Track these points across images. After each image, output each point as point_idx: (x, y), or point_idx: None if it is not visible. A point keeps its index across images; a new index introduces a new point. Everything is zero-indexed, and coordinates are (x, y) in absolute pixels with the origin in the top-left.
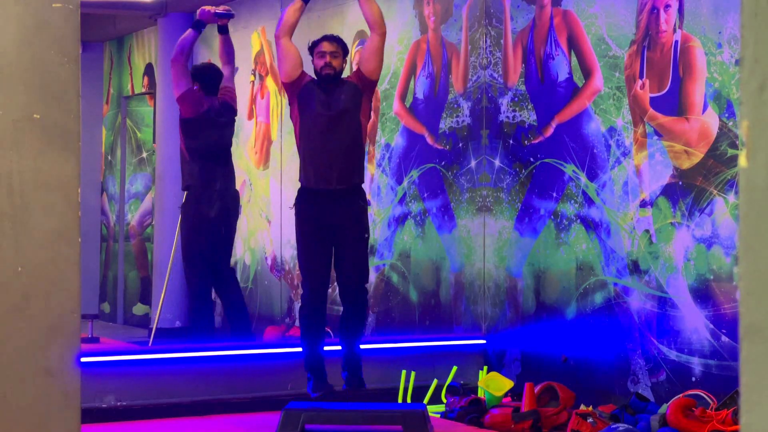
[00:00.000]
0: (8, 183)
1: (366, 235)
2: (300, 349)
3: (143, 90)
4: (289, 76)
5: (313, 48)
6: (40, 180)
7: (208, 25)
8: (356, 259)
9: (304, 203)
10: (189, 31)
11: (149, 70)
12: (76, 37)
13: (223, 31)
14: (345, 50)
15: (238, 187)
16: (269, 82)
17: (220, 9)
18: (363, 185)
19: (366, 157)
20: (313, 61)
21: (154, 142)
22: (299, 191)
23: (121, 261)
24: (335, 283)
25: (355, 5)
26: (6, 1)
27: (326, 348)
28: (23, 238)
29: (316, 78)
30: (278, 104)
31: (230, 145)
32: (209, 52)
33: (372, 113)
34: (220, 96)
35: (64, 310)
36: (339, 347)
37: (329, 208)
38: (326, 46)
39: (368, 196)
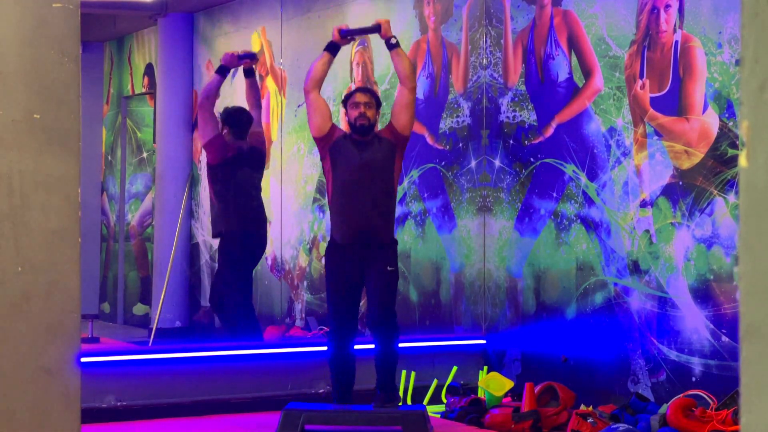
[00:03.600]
0: (8, 183)
1: (396, 279)
2: (301, 349)
3: (143, 90)
4: (320, 131)
5: (346, 100)
6: (40, 180)
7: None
8: (384, 296)
9: (335, 257)
10: (214, 76)
11: (149, 70)
12: (76, 37)
13: (249, 74)
14: (378, 102)
15: None
16: (269, 82)
17: (242, 52)
18: (395, 239)
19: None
20: (346, 113)
21: (154, 142)
22: (330, 244)
23: (121, 261)
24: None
25: (355, 5)
26: (6, 1)
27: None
28: (23, 238)
29: (349, 130)
30: (278, 104)
31: (259, 190)
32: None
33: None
34: (249, 141)
35: (63, 310)
36: (368, 346)
37: (360, 262)
38: (360, 97)
39: None
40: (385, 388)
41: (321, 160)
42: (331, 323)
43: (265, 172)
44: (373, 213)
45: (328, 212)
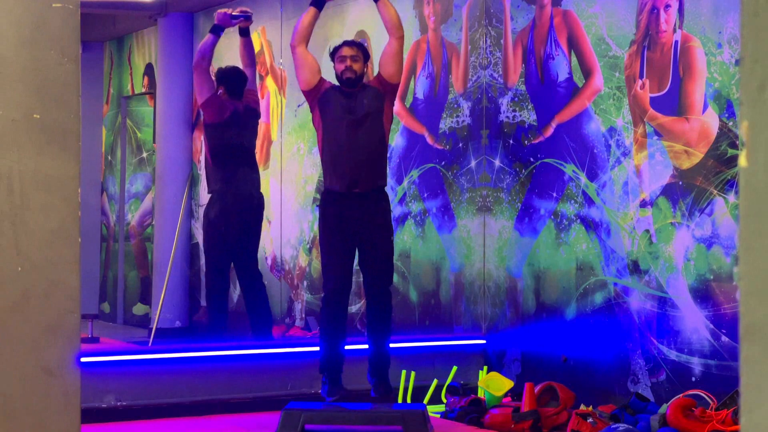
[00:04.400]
0: (8, 183)
1: (391, 237)
2: (301, 349)
3: (143, 90)
4: (308, 84)
5: (333, 53)
6: (40, 180)
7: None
8: (381, 260)
9: (329, 205)
10: (208, 36)
11: (149, 70)
12: (76, 37)
13: (244, 33)
14: (366, 55)
15: None
16: (269, 82)
17: (237, 11)
18: (386, 187)
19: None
20: (334, 66)
21: (154, 142)
22: (323, 194)
23: (121, 261)
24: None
25: (355, 5)
26: (6, 1)
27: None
28: (23, 238)
29: (337, 83)
30: (278, 104)
31: (254, 149)
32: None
33: None
34: (244, 100)
35: (63, 310)
36: (362, 346)
37: (354, 211)
38: (346, 51)
39: None
40: (379, 369)
41: (311, 112)
42: (326, 271)
43: (266, 172)
44: (365, 160)
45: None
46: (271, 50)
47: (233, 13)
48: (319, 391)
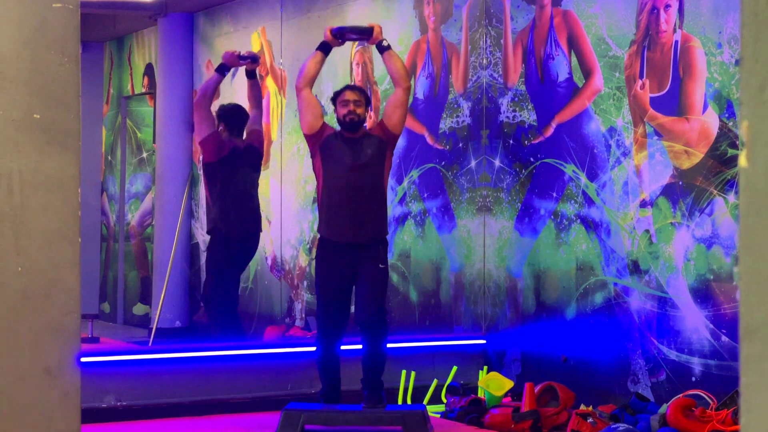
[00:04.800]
0: (8, 183)
1: (386, 280)
2: (301, 349)
3: (143, 90)
4: (311, 128)
5: (335, 97)
6: (40, 180)
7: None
8: (375, 294)
9: (325, 254)
10: (212, 75)
11: (149, 70)
12: (76, 37)
13: (251, 75)
14: (368, 100)
15: None
16: (269, 82)
17: (245, 53)
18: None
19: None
20: (335, 110)
21: (154, 142)
22: (320, 242)
23: (121, 261)
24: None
25: (355, 5)
26: (6, 1)
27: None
28: (23, 238)
29: (339, 128)
30: (278, 104)
31: (255, 189)
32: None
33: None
34: (246, 139)
35: (63, 310)
36: (358, 346)
37: (350, 260)
38: (349, 95)
39: None
40: (372, 388)
41: (311, 157)
42: (320, 322)
43: (266, 172)
44: (363, 211)
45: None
46: (271, 50)
47: (240, 54)
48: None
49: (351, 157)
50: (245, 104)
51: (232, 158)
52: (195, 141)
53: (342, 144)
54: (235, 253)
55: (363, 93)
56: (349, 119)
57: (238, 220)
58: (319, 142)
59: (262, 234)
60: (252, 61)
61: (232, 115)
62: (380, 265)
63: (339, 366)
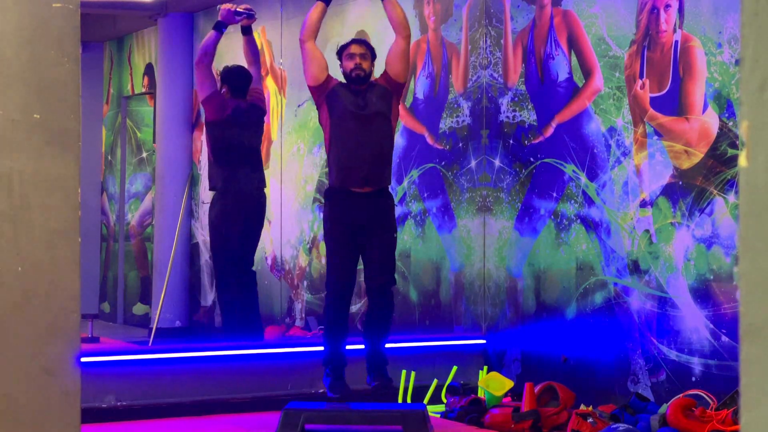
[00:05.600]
0: (8, 183)
1: (394, 235)
2: (301, 349)
3: (143, 90)
4: (316, 80)
5: (341, 51)
6: (40, 180)
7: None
8: (384, 259)
9: (334, 203)
10: (211, 32)
11: (149, 70)
12: (76, 37)
13: (246, 31)
14: (373, 53)
15: None
16: (269, 82)
17: (241, 8)
18: (390, 187)
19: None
20: (341, 64)
21: (154, 142)
22: (328, 191)
23: (121, 261)
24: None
25: (355, 5)
26: (6, 1)
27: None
28: (23, 238)
29: (344, 81)
30: (278, 104)
31: (258, 146)
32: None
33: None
34: (248, 99)
35: (64, 310)
36: (362, 346)
37: (359, 209)
38: (355, 48)
39: None
40: (377, 367)
41: (317, 108)
42: (330, 269)
43: (266, 172)
44: (371, 158)
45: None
46: (271, 50)
47: (237, 10)
48: (321, 389)
49: (357, 107)
50: (241, 60)
51: (236, 117)
52: (198, 143)
53: (348, 94)
54: (241, 214)
55: (369, 46)
56: (355, 74)
57: (245, 178)
58: (325, 92)
59: (263, 233)
60: (248, 17)
61: (236, 76)
62: (394, 235)
63: (347, 331)
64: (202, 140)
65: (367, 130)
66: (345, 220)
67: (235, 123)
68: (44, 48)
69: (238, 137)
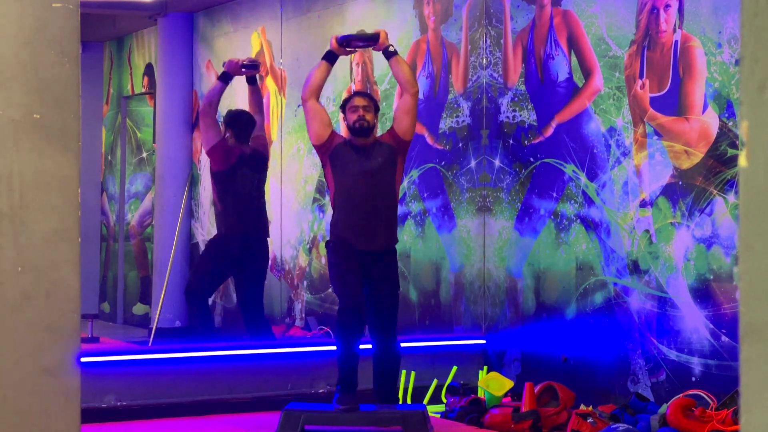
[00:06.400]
0: (8, 183)
1: (397, 292)
2: (301, 349)
3: (143, 90)
4: (319, 138)
5: (344, 104)
6: (40, 180)
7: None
8: (389, 314)
9: (341, 250)
10: (216, 83)
11: (149, 70)
12: (76, 37)
13: (251, 81)
14: (376, 106)
15: None
16: (269, 82)
17: (246, 60)
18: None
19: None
20: (345, 117)
21: (154, 142)
22: (333, 241)
23: (121, 261)
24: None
25: (355, 5)
26: (6, 1)
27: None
28: (23, 238)
29: (348, 136)
30: (278, 104)
31: (262, 193)
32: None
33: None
34: (251, 144)
35: (63, 310)
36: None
37: (364, 267)
38: (358, 101)
39: None
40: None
41: (322, 167)
42: (339, 291)
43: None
44: (378, 218)
45: (328, 212)
46: (271, 50)
47: (242, 63)
48: (321, 389)
49: (362, 165)
50: (245, 107)
51: (240, 165)
52: (199, 143)
53: (352, 152)
54: (242, 255)
55: (372, 99)
56: (358, 125)
57: (250, 225)
58: (329, 151)
59: None
60: (253, 68)
61: (240, 121)
62: (397, 292)
63: (357, 364)
64: (201, 152)
65: (373, 189)
66: (351, 260)
67: (239, 170)
68: (44, 48)
69: (243, 185)
